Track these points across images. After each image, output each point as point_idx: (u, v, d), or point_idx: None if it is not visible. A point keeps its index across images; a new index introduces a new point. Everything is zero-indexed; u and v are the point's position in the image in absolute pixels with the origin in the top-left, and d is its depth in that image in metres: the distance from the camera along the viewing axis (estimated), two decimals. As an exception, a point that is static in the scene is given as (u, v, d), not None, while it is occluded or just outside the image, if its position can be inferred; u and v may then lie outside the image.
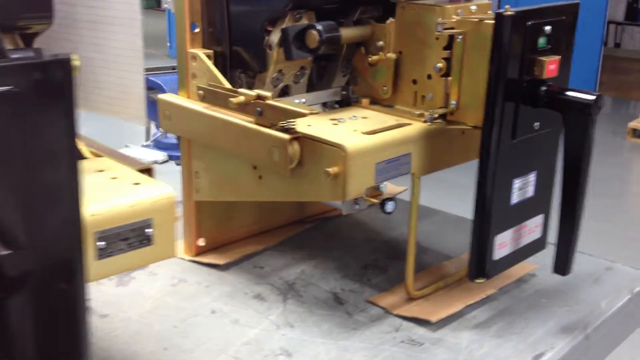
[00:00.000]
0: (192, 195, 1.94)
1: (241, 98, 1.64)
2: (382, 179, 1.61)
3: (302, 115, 1.54)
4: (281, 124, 1.61)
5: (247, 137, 1.67)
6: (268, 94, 1.62)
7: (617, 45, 8.78)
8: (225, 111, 1.71)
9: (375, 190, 1.63)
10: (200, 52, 1.79)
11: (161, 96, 1.89)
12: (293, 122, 1.60)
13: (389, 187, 1.85)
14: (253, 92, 1.63)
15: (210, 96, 1.74)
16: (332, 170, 1.53)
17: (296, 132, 1.60)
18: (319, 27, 1.67)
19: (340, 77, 1.93)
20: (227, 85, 1.73)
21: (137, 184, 1.24)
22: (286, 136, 1.58)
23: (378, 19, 1.81)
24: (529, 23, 1.49)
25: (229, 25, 1.79)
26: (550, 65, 1.53)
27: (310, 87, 1.93)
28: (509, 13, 1.44)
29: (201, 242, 2.00)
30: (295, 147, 1.59)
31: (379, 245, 2.11)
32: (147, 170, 1.32)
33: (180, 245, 2.03)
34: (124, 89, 1.45)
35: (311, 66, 1.86)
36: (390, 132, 1.63)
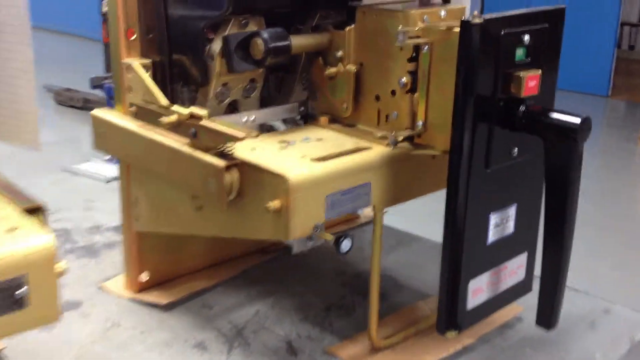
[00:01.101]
0: (132, 224, 1.72)
1: (173, 117, 1.42)
2: (334, 213, 1.37)
3: (237, 139, 1.31)
4: (218, 148, 1.38)
5: (181, 162, 1.44)
6: (203, 112, 1.39)
7: (632, 47, 8.48)
8: (161, 130, 1.49)
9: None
10: (136, 63, 1.57)
11: (95, 112, 1.67)
12: (232, 145, 1.38)
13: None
14: (186, 111, 1.41)
15: (143, 113, 1.52)
16: (273, 204, 1.31)
17: (234, 159, 1.37)
18: (265, 35, 1.44)
19: (300, 90, 1.70)
20: (163, 100, 1.50)
21: (13, 229, 1.02)
22: (221, 163, 1.35)
23: (340, 25, 1.57)
24: (503, 32, 1.25)
25: (168, 31, 1.57)
26: (530, 82, 1.29)
27: (267, 101, 1.71)
28: (477, 21, 1.21)
29: (144, 276, 1.77)
30: (234, 176, 1.36)
31: (349, 279, 1.88)
32: (36, 210, 1.09)
33: (121, 280, 1.81)
34: (14, 108, 1.22)
35: (263, 78, 1.63)
36: (346, 159, 1.40)
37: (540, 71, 1.31)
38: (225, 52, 1.48)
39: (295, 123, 1.72)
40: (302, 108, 1.69)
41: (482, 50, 1.24)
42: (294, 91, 1.70)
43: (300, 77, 1.67)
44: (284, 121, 1.73)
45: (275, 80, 1.72)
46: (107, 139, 1.64)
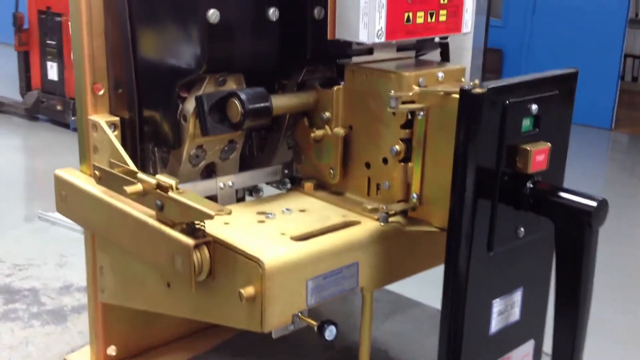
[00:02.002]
0: (97, 294, 1.56)
1: (138, 187, 1.27)
2: (317, 298, 1.22)
3: (207, 216, 1.16)
4: (186, 223, 1.23)
5: (147, 235, 1.29)
6: (171, 182, 1.24)
7: (635, 79, 8.37)
8: (127, 198, 1.34)
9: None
10: (102, 121, 1.43)
11: (58, 172, 1.52)
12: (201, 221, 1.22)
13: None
14: (152, 180, 1.26)
15: (107, 178, 1.37)
16: (246, 291, 1.15)
17: (204, 235, 1.22)
18: (242, 95, 1.30)
19: (284, 150, 1.56)
20: (130, 164, 1.36)
21: None
22: (190, 241, 1.20)
23: (328, 82, 1.43)
24: (508, 102, 1.11)
25: (137, 87, 1.43)
26: (538, 156, 1.14)
27: (248, 162, 1.56)
28: (478, 91, 1.06)
29: (111, 350, 1.61)
30: (204, 255, 1.21)
31: (338, 355, 1.71)
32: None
33: (87, 353, 1.65)
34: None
35: (243, 139, 1.49)
36: (331, 237, 1.25)
37: (549, 144, 1.16)
38: (198, 114, 1.33)
39: (282, 182, 1.57)
40: (287, 171, 1.54)
41: (484, 122, 1.09)
42: (277, 151, 1.55)
43: (284, 136, 1.53)
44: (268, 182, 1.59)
45: (258, 139, 1.58)
46: (69, 203, 1.49)
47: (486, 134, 1.11)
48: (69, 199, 1.49)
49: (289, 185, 1.56)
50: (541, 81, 1.16)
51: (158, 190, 1.25)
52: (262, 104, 1.31)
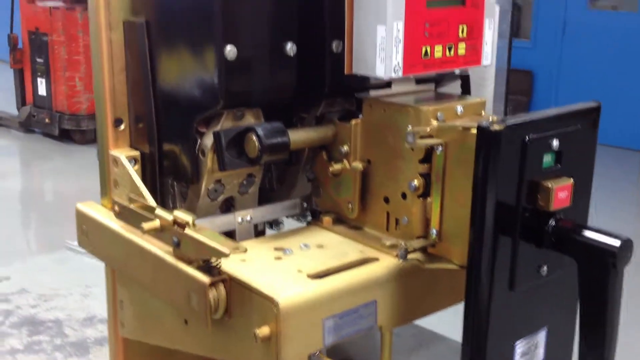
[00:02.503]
0: (117, 329, 1.56)
1: (155, 223, 1.27)
2: (334, 337, 1.20)
3: (223, 254, 1.15)
4: (203, 260, 1.22)
5: (164, 272, 1.29)
6: (188, 218, 1.23)
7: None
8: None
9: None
10: (123, 156, 1.44)
11: (79, 206, 1.53)
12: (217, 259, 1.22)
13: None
14: (169, 216, 1.25)
15: (126, 213, 1.37)
16: (261, 331, 1.13)
17: (220, 273, 1.21)
18: (260, 131, 1.29)
19: (304, 182, 1.54)
20: (149, 199, 1.36)
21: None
22: (206, 279, 1.19)
23: (347, 115, 1.42)
24: (528, 138, 1.08)
25: (157, 122, 1.43)
26: (560, 193, 1.11)
27: (267, 195, 1.55)
28: (496, 127, 1.04)
29: (131, 385, 1.61)
30: (220, 293, 1.20)
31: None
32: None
33: (107, 388, 1.64)
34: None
35: (262, 173, 1.48)
36: (349, 274, 1.23)
37: (572, 180, 1.13)
38: (216, 149, 1.33)
39: (302, 214, 1.56)
40: (306, 204, 1.52)
41: (502, 159, 1.06)
42: (297, 184, 1.54)
43: (304, 169, 1.52)
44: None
45: (277, 171, 1.57)
46: (90, 238, 1.50)
47: (505, 170, 1.08)
48: (89, 233, 1.50)
49: (309, 218, 1.54)
50: (562, 116, 1.14)
51: (175, 227, 1.25)
52: (280, 139, 1.30)
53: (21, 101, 5.41)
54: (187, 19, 1.31)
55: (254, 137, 1.29)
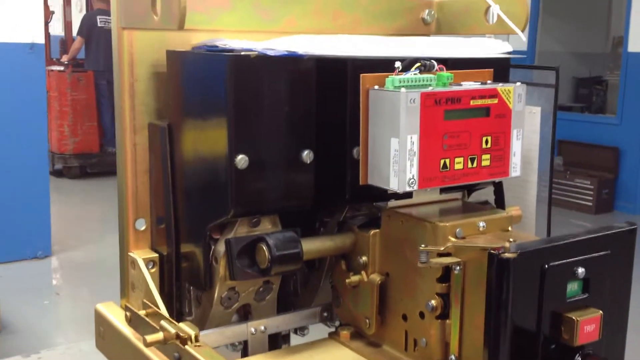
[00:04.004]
0: None
1: (159, 336, 1.22)
2: None
3: (218, 377, 1.09)
4: (203, 379, 1.16)
5: (168, 387, 1.23)
6: (191, 332, 1.18)
7: None
8: (154, 342, 1.29)
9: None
10: (140, 258, 1.41)
11: (99, 307, 1.51)
12: (220, 377, 1.15)
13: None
14: (172, 329, 1.21)
15: (136, 320, 1.34)
16: None
17: (220, 394, 1.14)
18: (270, 241, 1.24)
19: (327, 289, 1.47)
20: (161, 306, 1.32)
21: None
22: (204, 400, 1.12)
23: (368, 223, 1.35)
24: (547, 266, 0.99)
25: (176, 225, 1.41)
26: (587, 327, 1.00)
27: (287, 301, 1.49)
28: (508, 255, 0.95)
29: None
30: (219, 417, 1.13)
31: None
32: None
33: None
34: None
35: (280, 280, 1.42)
36: (358, 402, 1.14)
37: (600, 312, 1.02)
38: (227, 257, 1.29)
39: (328, 316, 1.49)
40: (326, 314, 1.45)
41: (516, 288, 0.97)
42: (319, 290, 1.47)
43: (327, 274, 1.45)
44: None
45: (302, 275, 1.51)
46: (106, 340, 1.47)
47: (521, 300, 0.99)
48: (106, 336, 1.47)
49: (337, 323, 1.46)
50: (590, 241, 1.04)
51: (177, 341, 1.20)
52: (291, 251, 1.25)
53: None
54: (203, 125, 1.30)
55: (265, 248, 1.24)
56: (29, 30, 4.79)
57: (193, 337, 1.18)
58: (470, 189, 1.41)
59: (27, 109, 4.79)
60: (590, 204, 6.93)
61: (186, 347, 1.17)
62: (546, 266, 0.98)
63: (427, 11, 1.66)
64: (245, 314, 1.44)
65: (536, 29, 7.95)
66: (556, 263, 0.99)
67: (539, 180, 1.54)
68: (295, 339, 1.53)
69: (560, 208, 7.05)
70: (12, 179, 4.73)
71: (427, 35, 1.70)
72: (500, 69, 1.40)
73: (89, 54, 7.36)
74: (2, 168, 4.68)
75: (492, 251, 0.96)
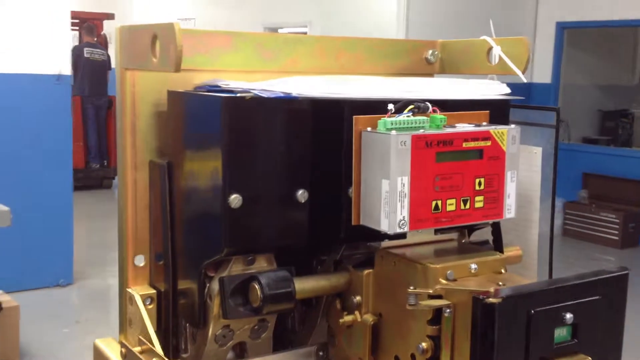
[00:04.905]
0: None
1: (151, 374, 1.23)
2: None
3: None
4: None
5: None
6: (182, 371, 1.19)
7: None
8: (147, 379, 1.30)
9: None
10: (137, 295, 1.42)
11: (98, 342, 1.52)
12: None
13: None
14: (161, 371, 1.21)
15: (131, 358, 1.35)
16: None
17: None
18: (262, 280, 1.25)
19: (325, 327, 1.47)
20: (155, 344, 1.33)
21: None
22: None
23: (364, 263, 1.35)
24: (534, 311, 0.97)
25: (173, 262, 1.42)
26: (575, 375, 0.98)
27: (283, 338, 1.48)
28: (491, 300, 0.94)
29: None
30: None
31: None
32: None
33: None
34: None
35: (275, 318, 1.42)
36: None
37: (589, 358, 1.01)
38: (220, 295, 1.30)
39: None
40: (322, 353, 1.44)
41: (500, 333, 0.96)
42: (316, 329, 1.47)
43: (323, 313, 1.45)
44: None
45: (299, 313, 1.51)
46: (103, 375, 1.48)
47: (507, 345, 0.98)
48: (102, 371, 1.48)
49: (334, 361, 1.46)
50: (578, 286, 1.03)
51: (167, 380, 1.20)
52: (283, 290, 1.25)
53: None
54: (200, 164, 1.32)
55: (257, 286, 1.25)
56: (56, 62, 4.92)
57: (183, 375, 1.18)
58: (470, 228, 1.41)
59: (53, 138, 4.91)
60: (616, 238, 6.83)
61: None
62: (532, 311, 0.97)
63: (430, 51, 1.67)
64: (241, 352, 1.44)
65: (560, 61, 7.93)
66: (543, 308, 0.98)
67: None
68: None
69: (585, 242, 6.95)
70: (37, 209, 4.82)
71: (431, 74, 1.71)
72: (500, 110, 1.40)
73: (76, 82, 7.92)
74: (29, 197, 4.77)
75: (476, 295, 0.96)
